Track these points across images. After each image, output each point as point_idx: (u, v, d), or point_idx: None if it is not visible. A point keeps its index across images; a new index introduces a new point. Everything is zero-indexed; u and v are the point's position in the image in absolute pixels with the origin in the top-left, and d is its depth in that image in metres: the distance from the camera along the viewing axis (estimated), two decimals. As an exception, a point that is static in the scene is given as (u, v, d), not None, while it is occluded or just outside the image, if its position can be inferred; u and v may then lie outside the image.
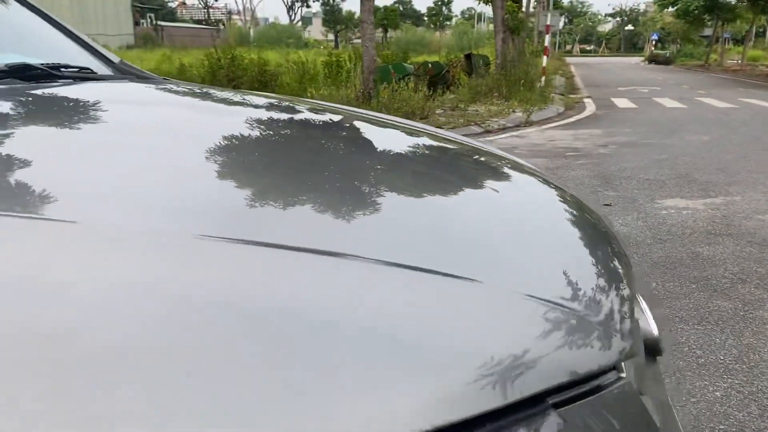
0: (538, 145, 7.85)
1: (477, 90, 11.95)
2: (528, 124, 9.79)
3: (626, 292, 0.72)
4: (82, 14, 37.14)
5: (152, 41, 38.62)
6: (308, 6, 71.22)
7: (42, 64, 1.31)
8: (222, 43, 29.91)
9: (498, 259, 0.66)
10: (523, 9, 19.07)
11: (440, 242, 0.66)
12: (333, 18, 65.92)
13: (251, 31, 52.51)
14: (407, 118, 9.11)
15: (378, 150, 1.09)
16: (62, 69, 1.34)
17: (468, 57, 14.42)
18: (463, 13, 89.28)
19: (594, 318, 0.60)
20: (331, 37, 67.03)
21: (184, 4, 72.14)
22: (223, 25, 59.63)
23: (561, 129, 9.46)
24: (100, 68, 1.63)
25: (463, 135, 1.66)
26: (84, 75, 1.38)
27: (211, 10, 70.29)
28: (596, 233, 0.88)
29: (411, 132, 1.36)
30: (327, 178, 0.81)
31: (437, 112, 10.41)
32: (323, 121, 1.29)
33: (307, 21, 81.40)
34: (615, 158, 6.73)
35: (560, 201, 1.00)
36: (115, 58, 1.71)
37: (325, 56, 13.34)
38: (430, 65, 13.02)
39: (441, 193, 0.86)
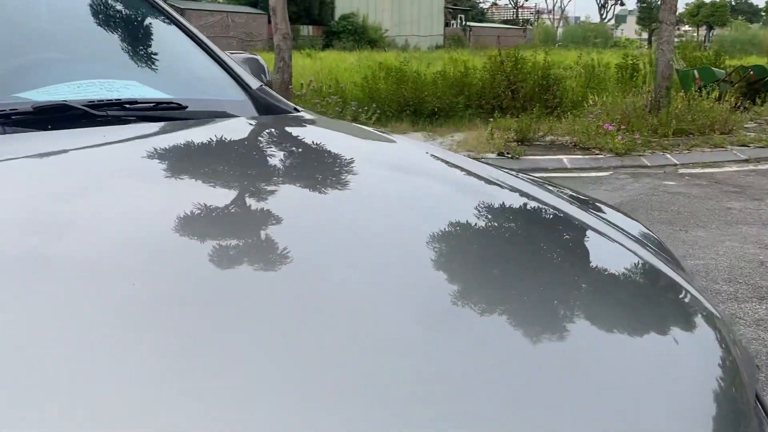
0: None
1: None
2: None
3: None
4: (400, 16, 40.23)
5: (459, 42, 40.20)
6: (622, 4, 67.37)
7: (138, 101, 1.23)
8: (526, 43, 29.83)
9: None
10: None
11: None
12: (648, 15, 61.39)
13: (558, 30, 51.48)
14: (702, 133, 7.96)
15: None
16: (163, 105, 1.25)
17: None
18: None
19: None
20: (645, 35, 62.61)
21: (495, 4, 73.79)
22: (531, 24, 59.50)
23: None
24: (232, 94, 1.53)
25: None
26: (170, 113, 1.27)
27: (520, 10, 70.71)
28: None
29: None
30: None
31: (746, 125, 8.84)
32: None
33: (620, 19, 77.20)
34: None
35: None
36: (254, 83, 1.59)
37: (620, 58, 12.28)
38: (750, 70, 11.04)
39: None
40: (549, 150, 7.77)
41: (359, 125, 1.69)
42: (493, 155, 7.37)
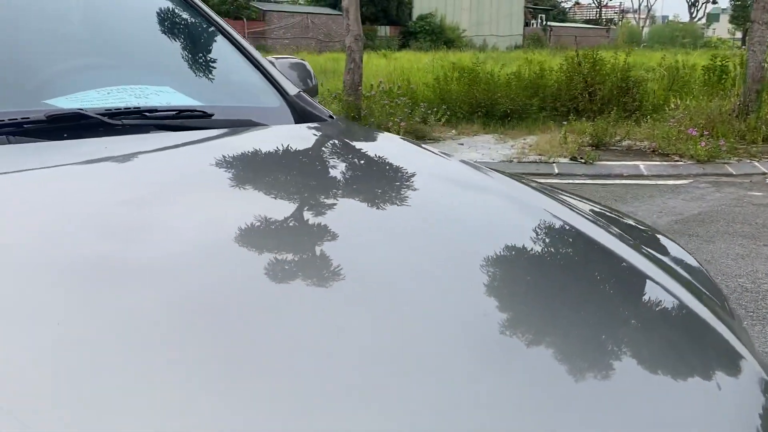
0: None
1: None
2: None
3: None
4: (478, 16, 39.77)
5: (539, 42, 39.33)
6: (714, 2, 64.15)
7: (169, 109, 1.21)
8: (609, 44, 28.75)
9: None
10: None
11: None
12: (742, 14, 58.15)
13: (644, 30, 49.60)
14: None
15: None
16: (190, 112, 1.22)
17: None
18: None
19: None
20: (739, 35, 59.37)
21: (577, 3, 71.83)
22: (614, 24, 57.57)
23: None
24: (267, 100, 1.50)
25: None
26: (199, 120, 1.24)
27: (604, 10, 68.56)
28: None
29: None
30: None
31: None
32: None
33: (712, 18, 73.58)
34: None
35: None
36: (292, 90, 1.56)
37: (709, 59, 11.67)
38: None
39: None
40: (625, 155, 7.44)
41: (391, 134, 1.63)
42: (566, 160, 7.13)
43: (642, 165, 6.96)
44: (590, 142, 7.71)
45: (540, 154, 7.38)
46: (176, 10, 1.57)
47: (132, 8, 1.52)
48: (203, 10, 1.58)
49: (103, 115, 1.08)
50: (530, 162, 7.20)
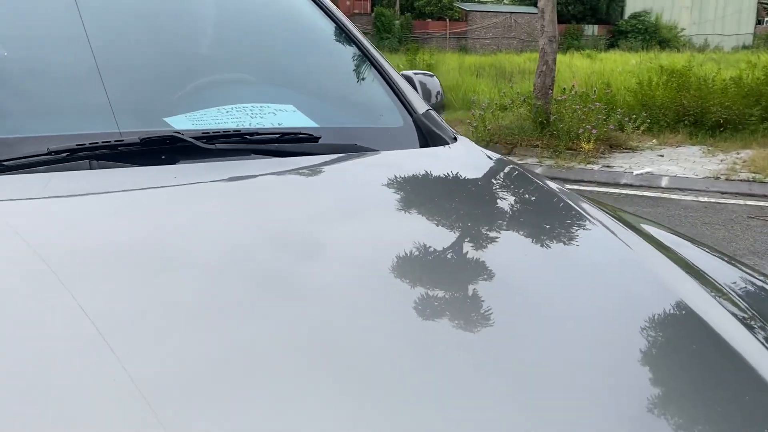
0: None
1: None
2: None
3: None
4: (701, 14, 36.33)
5: (772, 41, 34.87)
6: None
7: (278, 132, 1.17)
8: None
9: None
10: None
11: None
12: None
13: None
14: None
15: None
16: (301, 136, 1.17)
17: None
18: None
19: None
20: None
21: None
22: None
23: None
24: (389, 120, 1.41)
25: None
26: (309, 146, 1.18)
27: None
28: None
29: None
30: None
31: None
32: None
33: None
34: None
35: None
36: (421, 107, 1.46)
37: None
38: None
39: None
40: None
41: (509, 161, 1.45)
42: (786, 181, 6.19)
43: None
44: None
45: (755, 172, 6.49)
46: (309, 20, 1.54)
47: (263, 18, 1.52)
48: (338, 19, 1.53)
49: (198, 138, 1.06)
50: (741, 180, 6.36)
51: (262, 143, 1.13)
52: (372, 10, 26.38)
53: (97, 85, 1.17)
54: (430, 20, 27.81)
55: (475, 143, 1.47)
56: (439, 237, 0.96)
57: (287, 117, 1.26)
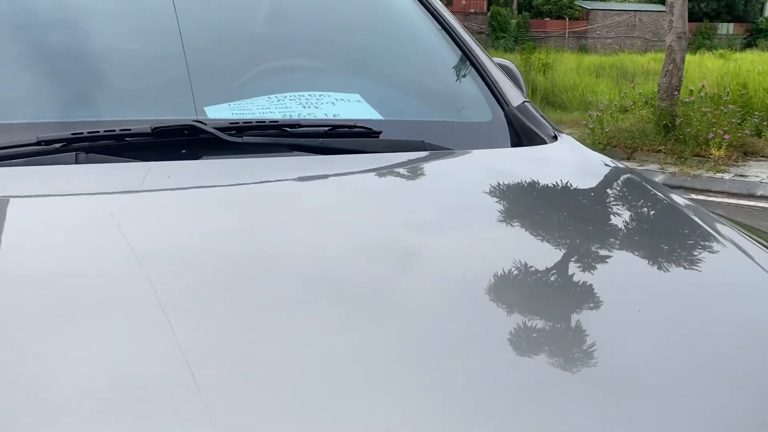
0: None
1: None
2: None
3: None
4: None
5: None
6: None
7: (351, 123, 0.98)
8: None
9: None
10: None
11: None
12: None
13: None
14: None
15: None
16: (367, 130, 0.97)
17: None
18: None
19: None
20: None
21: None
22: None
23: None
24: (474, 113, 1.18)
25: None
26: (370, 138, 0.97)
27: None
28: None
29: None
30: None
31: None
32: None
33: None
34: None
35: None
36: (517, 99, 1.21)
37: None
38: None
39: None
40: None
41: (624, 169, 1.17)
42: None
43: None
44: None
45: None
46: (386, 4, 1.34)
47: (332, 4, 1.33)
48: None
49: (224, 129, 0.89)
50: None
51: (303, 137, 0.93)
52: (488, 9, 25.91)
53: (143, 73, 1.05)
54: (548, 19, 27.02)
55: (589, 145, 1.22)
56: (540, 257, 0.80)
57: (348, 108, 1.07)
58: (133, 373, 0.53)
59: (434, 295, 0.70)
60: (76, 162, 0.84)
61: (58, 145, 0.83)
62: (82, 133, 0.84)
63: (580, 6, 27.86)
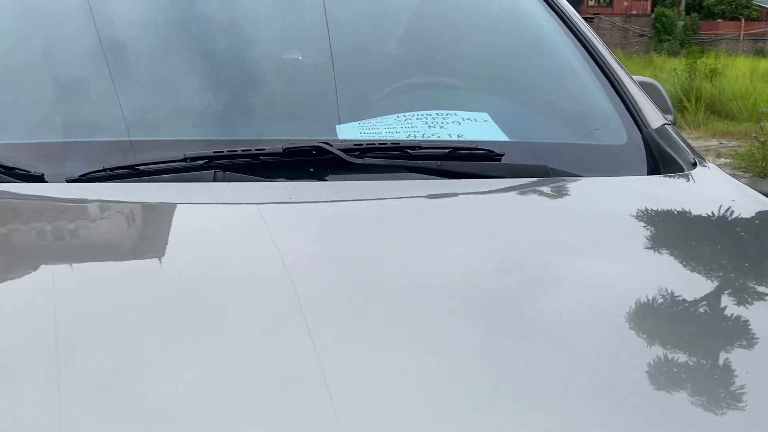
0: None
1: None
2: None
3: None
4: None
5: None
6: None
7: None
8: None
9: None
10: None
11: None
12: None
13: None
14: None
15: None
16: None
17: None
18: None
19: None
20: None
21: None
22: None
23: None
24: (605, 136, 1.12)
25: None
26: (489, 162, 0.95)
27: None
28: None
29: None
30: None
31: None
32: None
33: None
34: None
35: None
36: (657, 121, 1.13)
37: None
38: None
39: None
40: None
41: None
42: None
43: None
44: None
45: None
46: (522, 10, 1.30)
47: (465, 13, 1.31)
48: (558, 7, 1.26)
49: (348, 150, 0.91)
50: None
51: (423, 159, 0.93)
52: (652, 11, 24.43)
53: (281, 90, 1.11)
54: (720, 21, 24.95)
55: (758, 161, 1.09)
56: (682, 291, 0.75)
57: (473, 128, 1.06)
58: (270, 374, 0.58)
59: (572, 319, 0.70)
60: (214, 180, 0.91)
61: (201, 162, 0.91)
62: (222, 151, 0.91)
63: (759, 5, 25.45)
